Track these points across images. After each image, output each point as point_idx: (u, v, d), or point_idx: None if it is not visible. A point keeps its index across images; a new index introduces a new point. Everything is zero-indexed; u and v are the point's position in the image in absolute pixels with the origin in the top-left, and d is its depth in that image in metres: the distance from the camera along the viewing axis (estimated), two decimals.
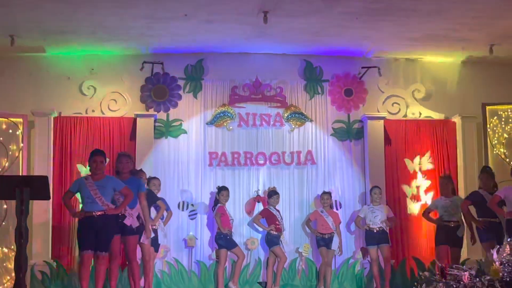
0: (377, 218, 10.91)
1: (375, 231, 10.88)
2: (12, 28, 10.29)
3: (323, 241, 11.05)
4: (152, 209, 10.07)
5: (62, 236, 11.07)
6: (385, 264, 10.90)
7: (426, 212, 10.83)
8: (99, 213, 8.49)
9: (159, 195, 10.44)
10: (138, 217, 9.13)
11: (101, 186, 8.59)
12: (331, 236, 11.06)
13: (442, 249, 10.30)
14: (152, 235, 9.83)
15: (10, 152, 11.02)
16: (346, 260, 11.44)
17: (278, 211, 11.21)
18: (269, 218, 11.11)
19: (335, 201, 11.62)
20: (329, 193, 11.35)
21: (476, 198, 10.03)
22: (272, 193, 11.23)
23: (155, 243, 10.07)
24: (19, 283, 7.36)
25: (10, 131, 11.08)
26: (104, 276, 8.73)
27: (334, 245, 11.05)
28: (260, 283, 11.25)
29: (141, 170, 10.33)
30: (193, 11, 9.76)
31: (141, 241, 9.55)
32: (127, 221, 8.94)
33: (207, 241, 11.36)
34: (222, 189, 11.02)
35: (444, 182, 10.65)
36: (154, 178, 10.62)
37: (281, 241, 11.09)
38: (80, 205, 9.16)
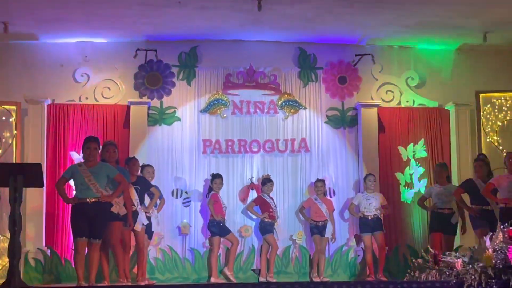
0: (372, 205, 10.92)
1: (369, 218, 10.89)
2: (5, 15, 10.25)
3: (316, 229, 11.06)
4: (146, 196, 10.08)
5: (55, 224, 11.06)
6: (379, 251, 10.92)
7: (420, 200, 10.86)
8: (93, 200, 8.41)
9: (152, 182, 10.43)
10: (125, 205, 9.07)
11: (95, 172, 8.52)
12: (325, 224, 11.07)
13: (435, 236, 10.33)
14: (146, 222, 9.84)
15: (4, 140, 11.00)
16: (340, 248, 11.46)
17: (272, 198, 11.21)
18: (263, 205, 11.11)
19: (329, 188, 11.63)
20: (323, 181, 11.36)
21: (469, 186, 10.05)
22: (266, 181, 11.23)
23: (148, 231, 10.08)
24: (13, 270, 7.35)
25: (3, 118, 11.05)
26: (97, 263, 8.72)
27: (328, 232, 11.07)
28: (253, 270, 11.27)
29: (134, 157, 10.31)
30: None
31: (135, 228, 9.58)
32: (114, 209, 8.89)
33: (201, 228, 11.36)
34: (216, 177, 11.01)
35: (439, 170, 10.68)
36: (148, 165, 10.59)
37: (275, 228, 11.11)
38: (74, 192, 9.13)
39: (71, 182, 8.96)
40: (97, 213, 8.43)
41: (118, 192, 8.72)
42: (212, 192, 10.91)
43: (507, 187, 9.52)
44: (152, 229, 10.21)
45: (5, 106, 11.07)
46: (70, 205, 8.76)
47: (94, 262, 8.58)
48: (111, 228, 9.01)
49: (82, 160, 9.05)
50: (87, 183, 8.42)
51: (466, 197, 10.18)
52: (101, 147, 9.14)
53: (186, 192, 11.47)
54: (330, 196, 11.57)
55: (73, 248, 9.73)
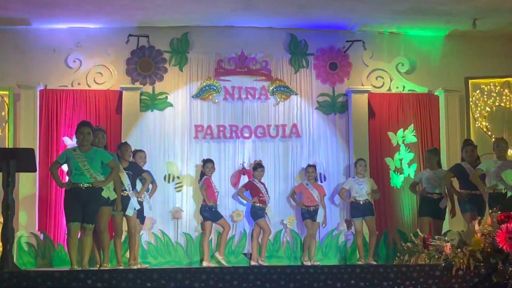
0: (363, 190, 10.92)
1: (361, 203, 10.89)
2: None
3: (308, 214, 11.08)
4: (138, 182, 10.05)
5: (48, 208, 11.03)
6: (370, 236, 10.93)
7: (412, 185, 10.85)
8: (86, 185, 8.36)
9: (144, 167, 10.40)
10: (115, 190, 9.01)
11: (90, 158, 8.39)
12: (316, 209, 11.09)
13: (424, 220, 10.35)
14: (138, 207, 9.83)
15: None
16: (330, 232, 11.49)
17: (263, 184, 11.21)
18: (253, 190, 11.12)
19: (320, 174, 11.64)
20: (314, 166, 11.37)
21: (458, 170, 10.07)
22: (257, 166, 11.23)
23: (140, 215, 10.06)
24: (6, 254, 7.34)
25: None
26: (90, 247, 8.69)
27: (319, 217, 11.09)
28: (245, 254, 11.29)
29: (126, 143, 10.25)
30: None
31: (126, 213, 9.59)
32: (105, 194, 8.84)
33: (193, 213, 11.37)
34: (207, 162, 11.01)
35: (430, 155, 10.67)
36: (140, 150, 10.54)
37: (266, 213, 11.13)
38: (67, 177, 9.08)
39: (64, 166, 8.90)
40: (90, 199, 8.35)
41: (111, 178, 8.68)
42: (205, 177, 10.91)
43: (494, 172, 9.56)
44: (144, 214, 10.20)
45: None
46: (64, 189, 8.72)
47: (87, 247, 8.53)
48: (100, 213, 8.96)
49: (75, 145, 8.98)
50: (82, 168, 8.33)
51: (455, 182, 10.20)
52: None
53: (178, 177, 11.47)
54: (321, 182, 11.59)
55: (66, 232, 9.78)
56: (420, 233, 8.08)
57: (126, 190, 9.51)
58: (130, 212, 9.67)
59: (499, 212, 6.23)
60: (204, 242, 10.89)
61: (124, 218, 9.71)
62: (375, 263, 10.65)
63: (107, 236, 9.31)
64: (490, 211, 6.25)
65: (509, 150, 10.10)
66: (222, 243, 10.97)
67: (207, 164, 10.97)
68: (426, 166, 10.89)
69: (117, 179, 9.08)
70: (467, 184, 9.88)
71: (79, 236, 8.54)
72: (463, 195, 9.87)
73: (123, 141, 10.61)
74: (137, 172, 9.99)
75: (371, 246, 10.90)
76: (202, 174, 10.99)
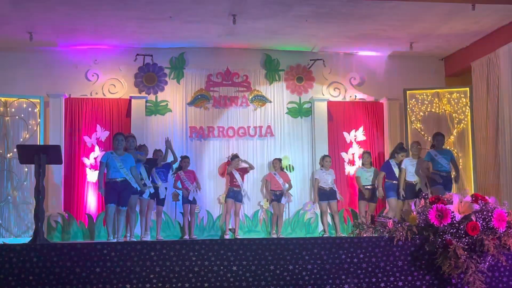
0: (328, 180, 10.88)
1: (327, 189, 10.83)
2: (30, 27, 10.13)
3: (274, 197, 11.01)
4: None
5: (72, 193, 10.98)
6: (334, 215, 10.85)
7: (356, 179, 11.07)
8: (121, 179, 8.70)
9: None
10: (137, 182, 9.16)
11: (124, 159, 8.82)
12: (281, 193, 11.01)
13: (362, 204, 10.80)
14: (153, 191, 10.06)
15: (30, 126, 10.86)
16: (297, 212, 11.50)
17: (238, 172, 11.05)
18: (231, 177, 11.01)
19: (289, 165, 11.65)
20: (279, 159, 11.33)
21: (386, 167, 10.54)
22: (233, 157, 11.13)
23: (157, 199, 10.35)
24: (38, 230, 7.29)
25: (30, 109, 10.91)
26: (124, 224, 9.17)
27: (283, 200, 10.99)
28: (230, 229, 11.23)
29: (144, 145, 10.41)
30: (176, 14, 9.69)
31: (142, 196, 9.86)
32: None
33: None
34: (185, 158, 10.87)
35: (366, 157, 10.98)
36: (144, 145, 10.53)
37: (242, 194, 10.97)
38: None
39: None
40: (124, 189, 8.76)
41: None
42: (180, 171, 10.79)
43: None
44: (161, 197, 10.38)
45: (31, 100, 10.93)
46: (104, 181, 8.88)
47: (121, 224, 8.95)
48: (130, 199, 9.25)
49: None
50: (118, 167, 8.71)
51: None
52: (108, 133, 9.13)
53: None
54: (290, 171, 11.58)
55: (87, 213, 9.73)
56: (362, 213, 8.20)
57: (143, 179, 9.65)
58: (145, 195, 9.91)
59: (431, 195, 6.27)
60: (184, 222, 10.81)
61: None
62: (342, 235, 10.70)
63: (134, 215, 9.63)
64: (424, 194, 6.28)
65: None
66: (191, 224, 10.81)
67: (185, 160, 10.82)
68: (362, 164, 11.10)
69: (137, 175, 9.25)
70: (391, 176, 10.34)
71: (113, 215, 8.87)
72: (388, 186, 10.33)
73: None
74: (152, 166, 10.17)
75: (337, 224, 10.84)
76: (179, 168, 10.81)
